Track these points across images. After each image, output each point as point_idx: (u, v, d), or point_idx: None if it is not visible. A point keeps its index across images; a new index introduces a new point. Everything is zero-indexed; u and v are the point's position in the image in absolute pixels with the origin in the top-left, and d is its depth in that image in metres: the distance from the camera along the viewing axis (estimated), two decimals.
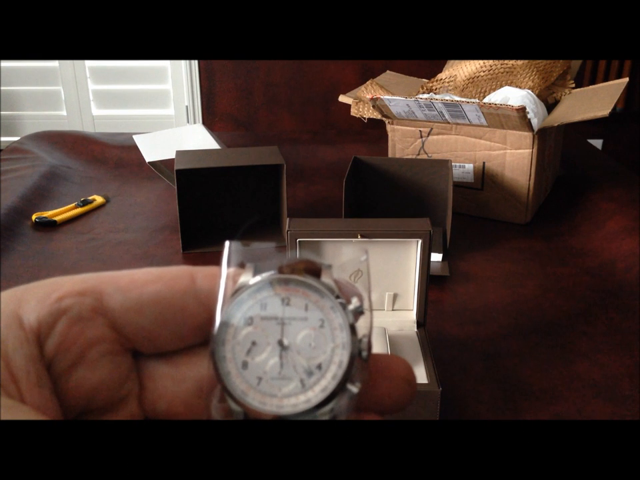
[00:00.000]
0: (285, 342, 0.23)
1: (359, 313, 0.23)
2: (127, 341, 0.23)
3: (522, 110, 0.93)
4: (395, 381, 0.23)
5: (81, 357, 0.22)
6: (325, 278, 0.23)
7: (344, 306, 0.23)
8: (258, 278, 0.23)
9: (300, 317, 0.23)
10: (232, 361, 0.23)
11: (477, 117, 0.99)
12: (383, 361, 0.24)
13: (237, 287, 0.23)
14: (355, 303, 0.23)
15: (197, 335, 0.24)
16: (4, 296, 0.22)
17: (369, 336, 0.23)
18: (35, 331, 0.22)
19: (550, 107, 1.12)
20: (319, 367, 0.22)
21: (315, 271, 0.23)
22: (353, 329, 0.23)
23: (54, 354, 0.22)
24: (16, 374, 0.21)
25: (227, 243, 0.24)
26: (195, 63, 2.51)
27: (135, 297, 0.23)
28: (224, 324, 0.23)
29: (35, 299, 0.22)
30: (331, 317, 0.23)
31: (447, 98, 1.00)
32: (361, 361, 0.23)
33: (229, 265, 0.24)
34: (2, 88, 2.48)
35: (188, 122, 2.56)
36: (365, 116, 1.14)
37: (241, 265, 0.24)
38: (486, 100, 1.09)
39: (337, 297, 0.23)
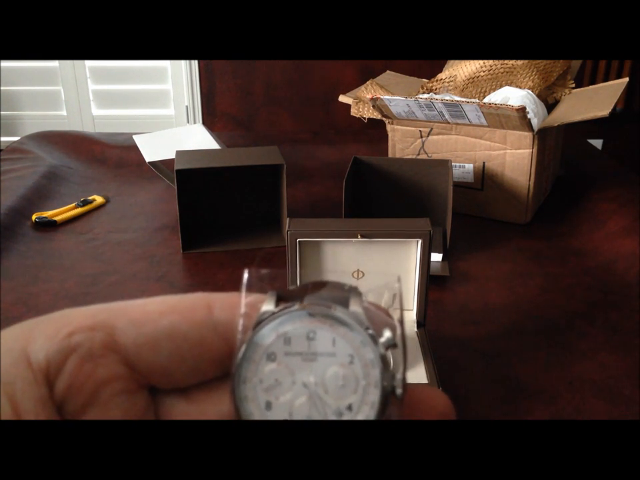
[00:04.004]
0: (312, 380, 0.21)
1: (391, 346, 0.21)
2: (142, 377, 0.22)
3: (522, 110, 0.93)
4: (431, 416, 0.22)
5: (94, 396, 0.21)
6: (354, 306, 0.21)
7: (375, 339, 0.21)
8: (280, 309, 0.21)
9: (327, 352, 0.21)
10: (254, 401, 0.21)
11: (476, 116, 0.99)
12: (418, 394, 0.22)
13: (259, 317, 0.21)
14: (386, 335, 0.21)
15: (216, 368, 0.22)
16: (12, 332, 0.21)
17: (404, 371, 0.21)
18: (44, 370, 0.20)
19: (550, 107, 1.12)
20: (350, 407, 0.21)
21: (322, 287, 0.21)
22: (385, 365, 0.21)
23: (64, 395, 0.21)
24: (24, 418, 0.20)
25: (246, 271, 0.22)
26: (194, 63, 2.51)
27: (149, 330, 0.22)
28: (244, 360, 0.21)
29: (43, 335, 0.21)
30: (361, 353, 0.21)
31: (447, 98, 1.00)
32: (395, 399, 0.21)
33: (248, 292, 0.22)
34: (2, 88, 2.48)
35: (188, 122, 2.56)
36: (365, 116, 1.14)
37: (262, 291, 0.22)
38: (486, 100, 1.09)
39: (367, 329, 0.21)
